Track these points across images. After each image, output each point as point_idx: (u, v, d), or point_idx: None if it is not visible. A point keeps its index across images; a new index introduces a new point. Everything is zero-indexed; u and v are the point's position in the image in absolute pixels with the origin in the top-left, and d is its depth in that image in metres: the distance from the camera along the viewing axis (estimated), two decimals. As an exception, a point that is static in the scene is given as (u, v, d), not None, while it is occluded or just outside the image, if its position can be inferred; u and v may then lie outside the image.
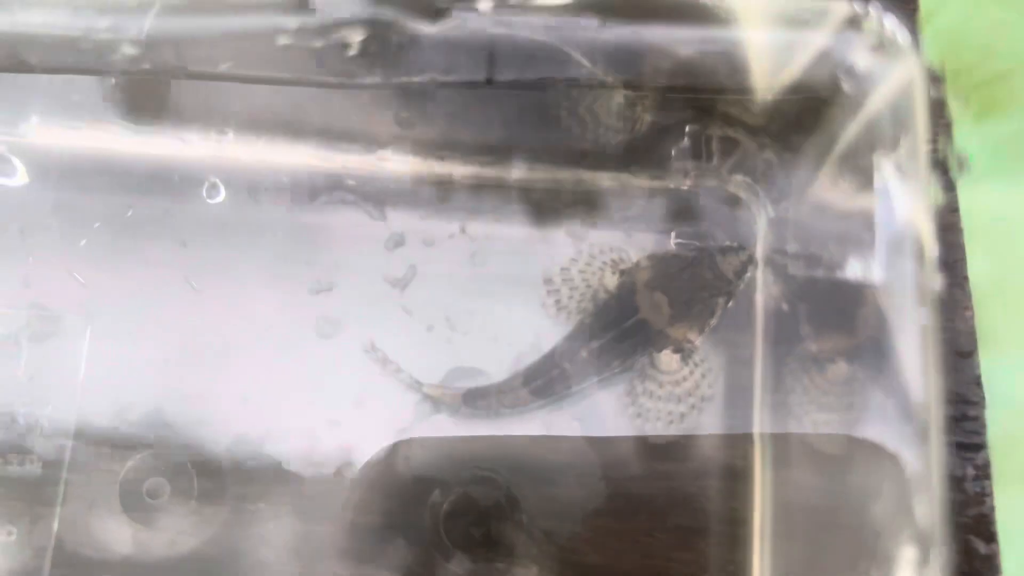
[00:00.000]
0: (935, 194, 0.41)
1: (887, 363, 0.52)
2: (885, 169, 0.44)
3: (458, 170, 0.57)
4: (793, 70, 0.48)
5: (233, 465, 0.55)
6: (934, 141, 0.41)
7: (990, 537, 0.55)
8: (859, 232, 0.49)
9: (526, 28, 0.48)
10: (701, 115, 0.54)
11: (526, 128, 0.57)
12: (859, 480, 0.53)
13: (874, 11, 0.41)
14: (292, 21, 0.46)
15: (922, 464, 0.50)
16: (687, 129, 0.56)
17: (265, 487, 0.55)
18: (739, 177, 0.56)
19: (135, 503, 0.55)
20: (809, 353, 0.54)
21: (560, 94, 0.55)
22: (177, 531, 0.55)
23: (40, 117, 0.57)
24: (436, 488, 0.55)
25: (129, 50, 0.51)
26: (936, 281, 0.44)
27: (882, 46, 0.42)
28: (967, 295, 0.55)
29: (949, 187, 0.42)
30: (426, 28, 0.46)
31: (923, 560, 0.50)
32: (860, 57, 0.44)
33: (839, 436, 0.54)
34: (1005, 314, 0.52)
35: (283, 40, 0.48)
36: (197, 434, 0.55)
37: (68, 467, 0.55)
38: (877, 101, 0.44)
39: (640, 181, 0.58)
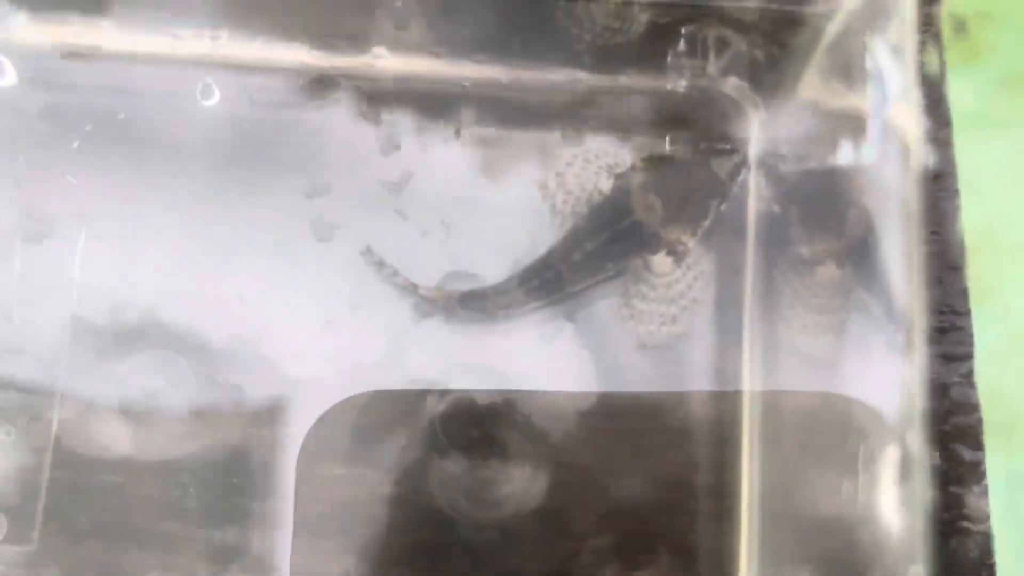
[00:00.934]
0: (932, 62, 0.42)
1: (875, 265, 0.53)
2: (876, 49, 0.44)
3: (453, 70, 0.57)
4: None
5: (228, 365, 0.56)
6: (925, 15, 0.41)
7: (976, 445, 0.56)
8: (848, 129, 0.49)
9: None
10: (696, 15, 0.54)
11: (522, 27, 0.56)
12: (844, 383, 0.54)
13: None
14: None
15: (905, 366, 0.51)
16: (683, 30, 0.56)
17: (262, 388, 0.56)
18: (733, 78, 0.56)
19: (134, 404, 0.55)
20: (800, 256, 0.55)
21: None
22: (175, 430, 0.55)
23: (29, 14, 0.56)
24: (432, 390, 0.56)
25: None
26: (928, 157, 0.45)
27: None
28: (957, 207, 0.56)
29: (940, 68, 0.43)
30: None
31: (906, 461, 0.51)
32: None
33: (827, 339, 0.55)
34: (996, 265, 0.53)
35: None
36: (194, 334, 0.56)
37: (65, 367, 0.55)
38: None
39: (636, 82, 0.58)
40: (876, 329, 0.53)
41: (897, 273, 0.52)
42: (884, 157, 0.48)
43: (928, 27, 0.42)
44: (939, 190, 0.53)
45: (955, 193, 0.55)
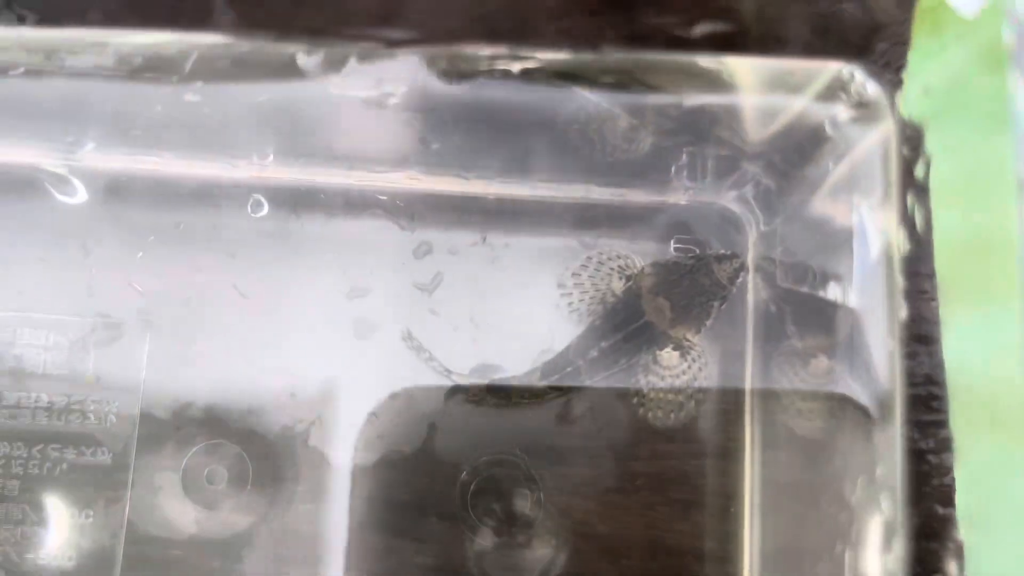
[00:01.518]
0: (902, 241, 0.48)
1: (860, 359, 0.59)
2: (862, 209, 0.50)
3: (479, 187, 0.64)
4: (783, 119, 0.54)
5: (282, 452, 0.62)
6: (904, 194, 0.47)
7: (948, 502, 0.62)
8: (840, 250, 0.56)
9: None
10: (699, 140, 0.60)
11: (540, 149, 0.62)
12: (835, 461, 0.60)
13: (858, 75, 0.47)
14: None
15: (888, 443, 0.57)
16: (685, 151, 0.62)
17: (310, 471, 0.62)
18: (734, 193, 0.62)
19: (196, 488, 0.61)
20: (794, 349, 0.61)
21: (570, 118, 0.61)
22: (234, 512, 0.62)
23: (95, 143, 0.62)
24: (464, 469, 0.62)
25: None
26: (903, 311, 0.51)
27: (863, 105, 0.48)
28: (934, 287, 0.62)
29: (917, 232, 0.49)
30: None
31: (890, 526, 0.57)
32: (843, 112, 0.50)
33: (819, 422, 0.61)
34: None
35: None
36: (249, 426, 0.62)
37: (135, 456, 0.61)
38: (858, 151, 0.51)
39: (642, 195, 0.64)
40: (860, 411, 0.59)
41: (880, 366, 0.58)
42: (867, 294, 0.54)
43: (914, 189, 0.47)
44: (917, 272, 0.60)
45: (931, 274, 0.61)
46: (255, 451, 0.62)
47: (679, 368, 0.62)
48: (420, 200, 0.64)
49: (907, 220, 0.46)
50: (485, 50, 0.46)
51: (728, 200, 0.63)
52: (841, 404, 0.60)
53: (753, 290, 0.63)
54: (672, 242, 0.64)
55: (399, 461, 0.62)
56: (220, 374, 0.63)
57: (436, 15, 0.45)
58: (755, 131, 0.56)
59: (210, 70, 0.56)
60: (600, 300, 0.63)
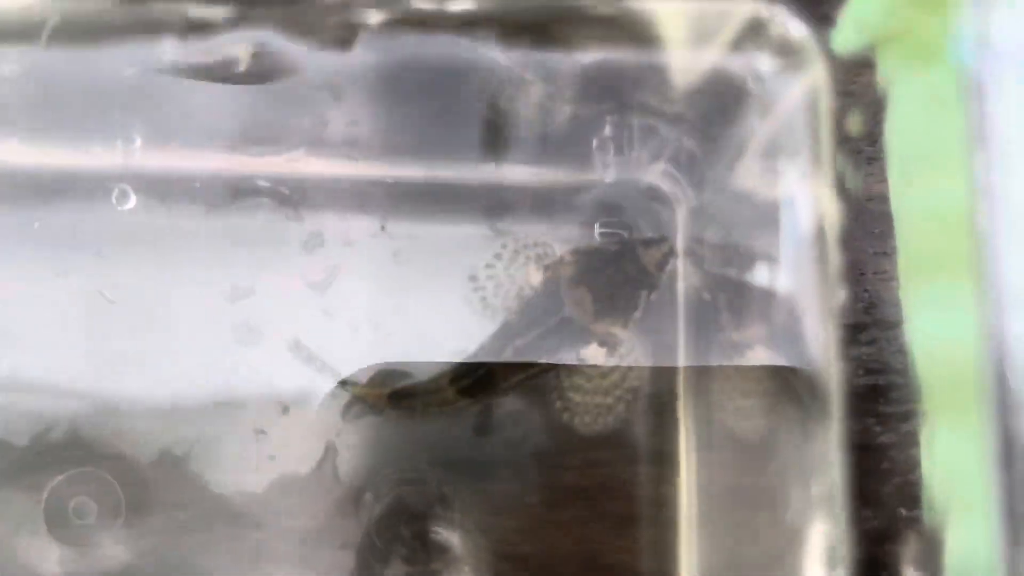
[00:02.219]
0: (836, 202, 0.42)
1: (798, 349, 0.53)
2: (790, 176, 0.44)
3: (375, 169, 0.56)
4: (701, 75, 0.47)
5: (160, 478, 0.55)
6: (837, 149, 0.41)
7: (912, 504, 0.57)
8: (772, 225, 0.50)
9: (431, 46, 0.47)
10: (621, 106, 0.54)
11: (441, 123, 0.56)
12: (775, 463, 0.55)
13: (779, 15, 0.41)
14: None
15: (829, 441, 0.52)
16: (608, 119, 0.55)
17: (194, 497, 0.55)
18: (660, 166, 0.56)
19: (61, 524, 0.54)
20: (730, 341, 0.55)
21: (477, 87, 0.55)
22: (107, 549, 0.54)
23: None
24: (367, 491, 0.55)
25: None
26: (840, 294, 0.45)
27: (786, 51, 0.42)
28: (894, 266, 0.56)
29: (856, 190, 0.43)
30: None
31: (833, 528, 0.51)
32: (764, 62, 0.44)
33: (759, 421, 0.56)
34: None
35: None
36: (120, 449, 0.55)
37: (-12, 490, 0.53)
38: (783, 105, 0.45)
39: (562, 174, 0.57)
40: (799, 406, 0.53)
41: (818, 354, 0.52)
42: (800, 267, 0.48)
43: (847, 147, 0.41)
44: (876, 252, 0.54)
45: (892, 251, 0.55)
46: (128, 478, 0.54)
47: (606, 367, 0.55)
48: (309, 186, 0.57)
49: (841, 186, 0.40)
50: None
51: (654, 176, 0.56)
52: (782, 400, 0.54)
53: (684, 277, 0.57)
54: (596, 226, 0.58)
55: (293, 484, 0.55)
56: (85, 391, 0.55)
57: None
58: (679, 92, 0.50)
59: (67, 36, 0.49)
60: (516, 294, 0.56)
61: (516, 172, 0.58)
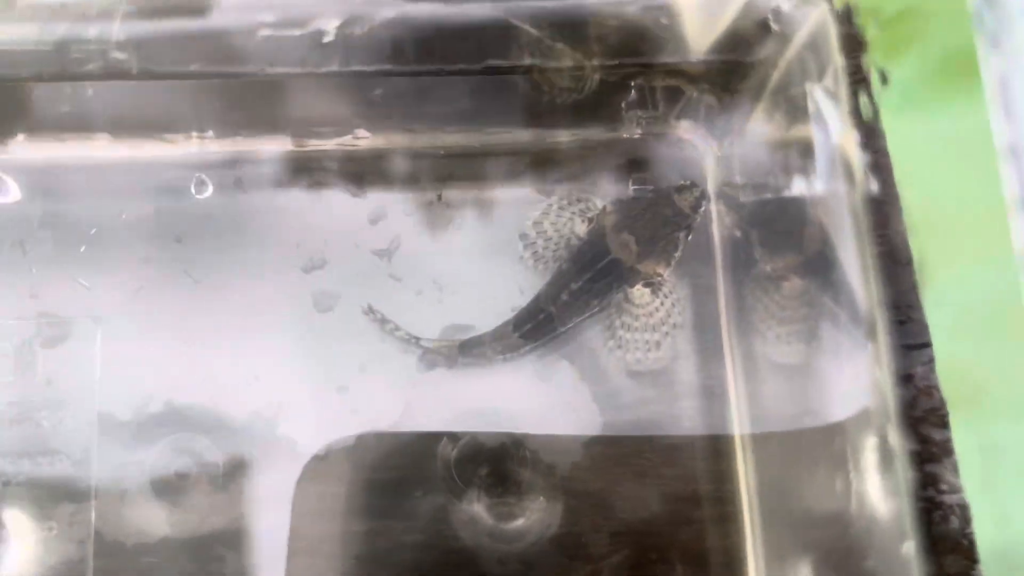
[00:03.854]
0: (865, 107, 0.47)
1: (833, 273, 0.58)
2: (816, 94, 0.50)
3: (427, 141, 0.62)
4: (722, 24, 0.53)
5: (251, 441, 0.59)
6: (854, 67, 0.47)
7: (943, 424, 0.61)
8: (796, 158, 0.55)
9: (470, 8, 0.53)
10: (645, 69, 0.59)
11: (486, 96, 0.61)
12: (820, 386, 0.59)
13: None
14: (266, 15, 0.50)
15: (873, 363, 0.56)
16: (633, 83, 0.61)
17: (283, 458, 0.59)
18: (685, 122, 0.61)
19: (165, 488, 0.58)
20: (764, 273, 0.60)
21: (513, 59, 0.60)
22: (206, 508, 0.58)
23: (26, 134, 0.59)
24: (443, 437, 0.60)
25: (104, 56, 0.54)
26: (870, 185, 0.50)
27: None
28: (899, 209, 0.61)
29: (872, 109, 0.48)
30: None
31: (885, 450, 0.56)
32: (784, 3, 0.50)
33: (799, 347, 0.60)
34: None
35: (263, 32, 0.51)
36: (214, 416, 0.59)
37: (97, 462, 0.58)
38: (800, 38, 0.50)
39: (595, 134, 0.63)
40: (843, 332, 0.57)
41: (854, 278, 0.57)
42: (832, 183, 0.53)
43: (857, 75, 0.47)
44: (881, 201, 0.59)
45: (895, 199, 0.60)
46: (223, 442, 0.59)
47: (652, 305, 0.60)
48: (368, 162, 0.62)
49: (865, 89, 0.45)
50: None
51: (681, 130, 0.62)
52: (820, 325, 0.59)
53: (717, 219, 0.62)
54: (630, 180, 0.63)
55: (375, 436, 0.59)
56: (179, 365, 0.60)
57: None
58: (697, 45, 0.55)
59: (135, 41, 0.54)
60: (565, 245, 0.61)
61: (555, 135, 0.63)
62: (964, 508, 0.49)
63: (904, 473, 0.54)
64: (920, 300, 0.62)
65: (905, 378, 0.61)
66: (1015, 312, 0.49)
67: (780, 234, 0.59)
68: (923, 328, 0.62)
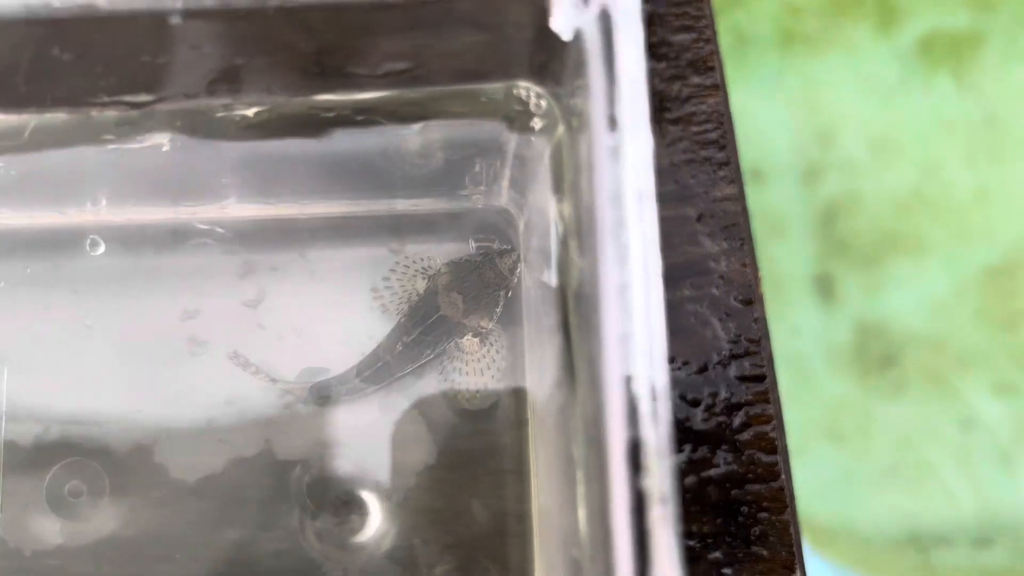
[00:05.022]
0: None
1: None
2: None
3: (292, 210, 0.72)
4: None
5: (134, 465, 0.69)
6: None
7: (772, 450, 0.71)
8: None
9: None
10: (484, 152, 0.68)
11: (344, 172, 0.71)
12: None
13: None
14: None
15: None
16: (477, 162, 0.70)
17: (163, 476, 0.69)
18: (509, 193, 0.71)
19: (60, 503, 0.69)
20: (546, 326, 0.69)
21: (369, 146, 0.69)
22: (96, 521, 0.69)
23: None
24: (298, 465, 0.70)
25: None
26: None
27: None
28: (748, 252, 0.71)
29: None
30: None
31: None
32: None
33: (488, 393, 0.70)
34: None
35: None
36: (104, 443, 0.70)
37: (2, 482, 0.68)
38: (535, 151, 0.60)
39: (441, 204, 0.72)
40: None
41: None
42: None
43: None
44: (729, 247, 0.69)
45: (748, 239, 0.69)
46: (110, 465, 0.69)
47: (479, 352, 0.70)
48: (239, 226, 0.72)
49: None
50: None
51: (505, 201, 0.71)
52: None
53: (524, 278, 0.71)
54: (471, 241, 0.73)
55: (241, 462, 0.70)
56: (75, 400, 0.70)
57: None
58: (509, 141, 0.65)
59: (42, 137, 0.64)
60: (406, 300, 0.71)
61: (405, 204, 0.73)
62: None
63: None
64: (762, 334, 0.71)
65: (737, 407, 0.70)
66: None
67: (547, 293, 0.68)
68: (761, 360, 0.71)
